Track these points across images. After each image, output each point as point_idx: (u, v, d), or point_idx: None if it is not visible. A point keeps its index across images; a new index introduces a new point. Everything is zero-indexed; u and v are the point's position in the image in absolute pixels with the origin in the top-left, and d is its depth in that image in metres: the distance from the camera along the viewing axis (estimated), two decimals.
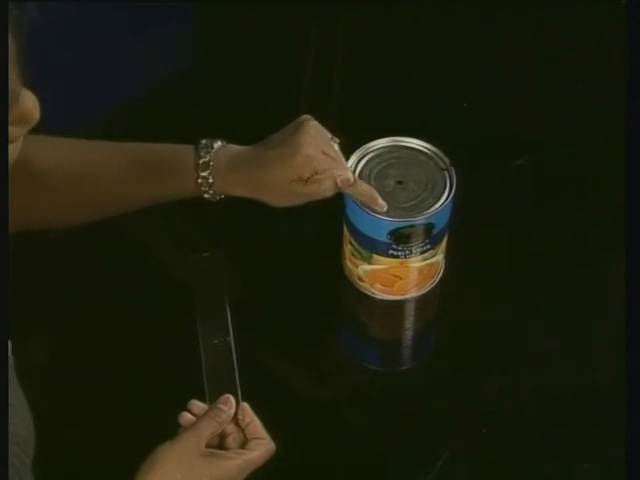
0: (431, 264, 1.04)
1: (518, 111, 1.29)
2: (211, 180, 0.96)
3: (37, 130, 0.63)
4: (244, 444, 0.90)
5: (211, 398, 0.92)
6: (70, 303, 1.10)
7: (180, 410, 0.89)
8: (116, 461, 0.83)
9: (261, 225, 1.17)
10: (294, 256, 1.04)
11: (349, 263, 1.07)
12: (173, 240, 1.17)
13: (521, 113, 1.29)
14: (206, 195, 0.97)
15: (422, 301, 1.08)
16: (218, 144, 0.97)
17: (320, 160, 0.95)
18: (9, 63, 0.56)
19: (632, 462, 0.81)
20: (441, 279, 1.08)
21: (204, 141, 0.97)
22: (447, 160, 1.00)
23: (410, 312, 1.10)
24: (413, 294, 1.07)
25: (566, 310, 1.10)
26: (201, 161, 0.96)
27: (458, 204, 0.99)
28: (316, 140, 0.96)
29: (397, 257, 1.01)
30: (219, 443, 0.90)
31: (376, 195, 0.97)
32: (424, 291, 1.07)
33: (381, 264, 1.02)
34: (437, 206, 0.97)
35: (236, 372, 0.93)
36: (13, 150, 0.61)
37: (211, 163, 0.96)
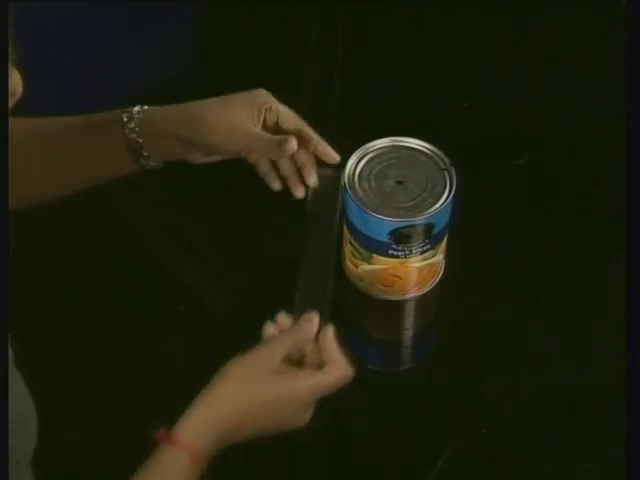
0: (431, 264, 1.04)
1: (518, 111, 1.29)
2: (138, 129, 0.93)
3: None
4: (321, 366, 0.88)
5: (298, 311, 0.90)
6: (70, 304, 1.10)
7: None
8: (115, 462, 0.83)
9: (261, 225, 1.17)
10: (294, 256, 1.04)
11: (349, 263, 1.07)
12: (174, 241, 1.17)
13: (521, 113, 1.29)
14: (142, 160, 0.95)
15: (422, 301, 1.08)
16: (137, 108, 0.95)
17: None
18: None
19: (632, 462, 0.82)
20: (441, 279, 1.08)
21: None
22: (447, 160, 1.00)
23: (410, 312, 1.10)
24: (413, 294, 1.07)
25: (566, 310, 1.10)
26: (126, 118, 0.94)
27: (458, 204, 0.99)
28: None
29: (397, 257, 1.01)
30: (298, 360, 0.88)
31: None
32: (424, 291, 1.07)
33: (381, 264, 1.02)
34: (437, 206, 0.97)
35: (329, 288, 0.92)
36: None
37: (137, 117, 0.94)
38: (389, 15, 1.42)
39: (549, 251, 1.16)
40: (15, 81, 0.65)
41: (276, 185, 0.99)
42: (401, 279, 1.04)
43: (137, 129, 0.94)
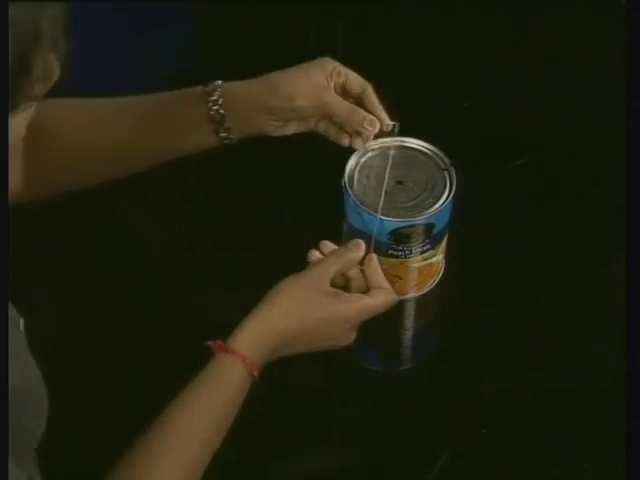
0: (431, 264, 1.04)
1: (518, 111, 1.29)
2: (221, 101, 0.97)
3: None
4: (366, 292, 0.93)
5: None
6: (70, 304, 1.10)
7: None
8: (110, 461, 0.83)
9: (261, 225, 1.17)
10: (294, 256, 1.04)
11: None
12: (174, 241, 1.17)
13: (521, 113, 1.29)
14: (222, 132, 0.98)
15: (422, 301, 1.08)
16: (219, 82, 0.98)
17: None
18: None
19: (632, 462, 0.82)
20: (441, 279, 1.08)
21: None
22: (447, 160, 1.00)
23: (410, 312, 1.09)
24: (413, 294, 1.07)
25: (566, 310, 1.10)
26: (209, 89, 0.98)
27: (458, 204, 0.99)
28: None
29: (397, 257, 1.00)
30: (342, 286, 0.94)
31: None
32: (424, 291, 1.07)
33: (381, 264, 1.02)
34: (437, 206, 0.97)
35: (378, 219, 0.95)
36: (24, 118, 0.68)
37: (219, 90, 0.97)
38: (389, 15, 1.42)
39: (549, 251, 1.16)
40: (51, 67, 0.66)
41: (346, 141, 1.02)
42: (401, 279, 1.04)
43: (220, 101, 0.97)
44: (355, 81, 1.00)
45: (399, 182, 0.99)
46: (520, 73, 1.34)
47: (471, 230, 1.12)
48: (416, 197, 0.98)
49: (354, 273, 0.95)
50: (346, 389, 1.08)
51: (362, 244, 0.95)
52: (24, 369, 0.75)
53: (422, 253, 1.01)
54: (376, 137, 1.01)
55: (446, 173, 1.00)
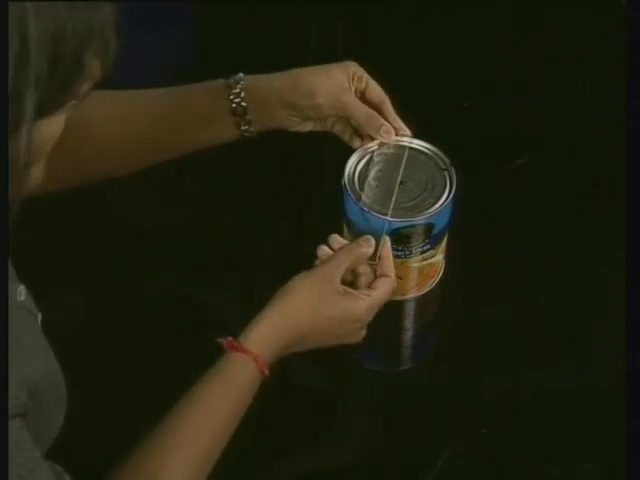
0: (431, 264, 1.04)
1: (518, 111, 1.29)
2: (243, 94, 0.98)
3: None
4: (372, 283, 0.95)
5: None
6: (70, 303, 1.10)
7: None
8: (116, 460, 0.83)
9: (262, 225, 1.17)
10: (294, 256, 1.04)
11: None
12: (175, 241, 1.17)
13: (521, 113, 1.29)
14: (243, 125, 0.99)
15: (422, 301, 1.08)
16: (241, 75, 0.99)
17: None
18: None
19: (632, 462, 0.82)
20: (441, 279, 1.08)
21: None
22: (447, 160, 1.00)
23: (410, 312, 1.09)
24: (413, 294, 1.07)
25: (566, 310, 1.10)
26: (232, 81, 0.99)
27: (458, 204, 0.99)
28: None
29: (397, 257, 1.00)
30: (351, 281, 0.95)
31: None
32: (424, 291, 1.07)
33: None
34: (437, 206, 0.97)
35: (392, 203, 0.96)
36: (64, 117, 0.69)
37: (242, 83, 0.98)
38: (389, 15, 1.43)
39: (549, 251, 1.16)
40: (95, 67, 0.67)
41: (358, 142, 1.03)
42: (401, 279, 1.04)
43: (242, 94, 0.98)
44: (375, 91, 1.01)
45: (399, 182, 0.99)
46: (520, 73, 1.34)
47: (471, 230, 1.12)
48: (416, 197, 0.98)
49: (363, 269, 0.95)
50: (346, 389, 1.08)
51: (372, 240, 0.95)
52: (45, 363, 0.76)
53: (422, 253, 1.01)
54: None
55: (446, 173, 1.00)
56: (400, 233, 0.98)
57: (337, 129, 1.03)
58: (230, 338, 0.88)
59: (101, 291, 1.11)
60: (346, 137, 1.03)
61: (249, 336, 0.88)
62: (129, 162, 1.02)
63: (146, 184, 1.16)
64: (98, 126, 0.96)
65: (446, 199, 0.98)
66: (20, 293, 0.77)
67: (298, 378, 1.04)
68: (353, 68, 1.01)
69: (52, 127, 0.69)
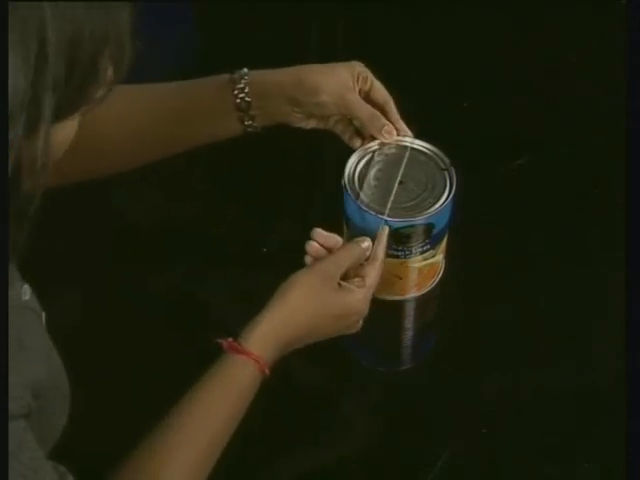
0: (431, 264, 1.04)
1: (518, 111, 1.29)
2: (247, 90, 0.98)
3: None
4: (360, 270, 0.95)
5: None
6: (71, 303, 1.10)
7: None
8: (118, 459, 0.83)
9: (265, 221, 1.17)
10: (294, 256, 1.04)
11: None
12: (176, 240, 1.18)
13: (521, 113, 1.29)
14: (246, 120, 0.99)
15: (422, 301, 1.08)
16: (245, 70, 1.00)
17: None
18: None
19: (632, 462, 0.82)
20: (441, 279, 1.08)
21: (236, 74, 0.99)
22: (447, 160, 1.00)
23: (410, 312, 1.10)
24: (413, 294, 1.07)
25: (566, 310, 1.10)
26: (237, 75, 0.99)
27: (458, 204, 0.99)
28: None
29: (397, 257, 1.00)
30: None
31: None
32: (424, 291, 1.07)
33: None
34: (437, 206, 0.97)
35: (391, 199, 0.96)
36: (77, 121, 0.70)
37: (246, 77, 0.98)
38: (389, 15, 1.43)
39: (549, 251, 1.16)
40: (109, 72, 0.68)
41: (358, 143, 1.03)
42: (401, 279, 1.04)
43: (246, 89, 0.98)
44: (380, 91, 1.01)
45: (399, 182, 0.99)
46: (520, 73, 1.34)
47: (471, 230, 1.12)
48: (416, 197, 0.98)
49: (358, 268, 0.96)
50: (346, 389, 1.08)
51: (369, 240, 0.96)
52: (49, 362, 0.76)
53: (422, 253, 1.01)
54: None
55: (446, 173, 1.00)
56: (400, 233, 0.97)
57: (338, 128, 1.03)
58: (230, 339, 0.88)
59: (102, 288, 1.11)
60: (346, 137, 1.03)
61: (250, 337, 0.88)
62: (133, 158, 1.02)
63: (148, 180, 1.16)
64: (104, 123, 0.96)
65: (446, 199, 0.98)
66: (25, 292, 0.77)
67: (298, 378, 1.04)
68: (359, 68, 1.01)
69: (66, 130, 0.69)
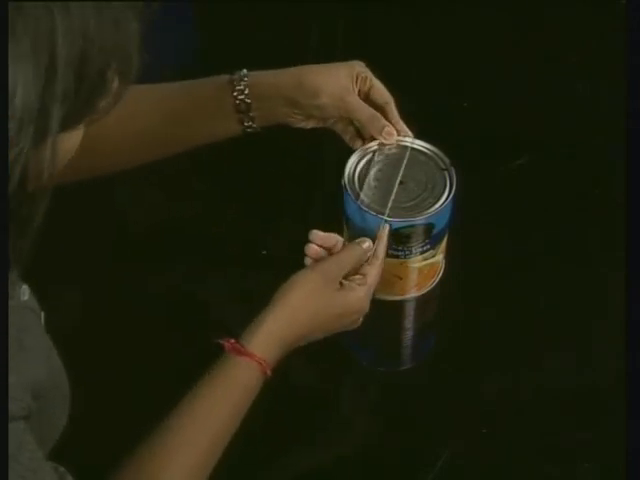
0: (431, 264, 1.04)
1: (518, 111, 1.29)
2: (247, 91, 0.98)
3: None
4: (360, 267, 0.95)
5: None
6: (71, 302, 1.10)
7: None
8: (119, 460, 0.83)
9: (265, 221, 1.17)
10: (294, 257, 1.04)
11: None
12: (176, 239, 1.18)
13: (521, 113, 1.29)
14: (246, 121, 0.99)
15: (422, 301, 1.08)
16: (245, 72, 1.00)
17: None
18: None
19: (632, 462, 0.82)
20: (441, 279, 1.08)
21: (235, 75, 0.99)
22: (447, 160, 1.00)
23: (410, 312, 1.10)
24: (413, 294, 1.07)
25: (566, 310, 1.10)
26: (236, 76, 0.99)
27: (458, 204, 0.99)
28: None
29: (397, 257, 1.00)
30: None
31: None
32: (424, 291, 1.07)
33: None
34: (437, 206, 0.97)
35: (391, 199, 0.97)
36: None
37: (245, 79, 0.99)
38: (389, 15, 1.43)
39: (549, 251, 1.16)
40: (115, 84, 0.68)
41: (358, 143, 1.03)
42: (401, 279, 1.04)
43: (246, 91, 0.98)
44: (380, 91, 1.01)
45: (399, 182, 0.99)
46: (520, 73, 1.34)
47: (471, 230, 1.12)
48: (416, 197, 0.98)
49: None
50: (346, 389, 1.08)
51: (368, 241, 0.96)
52: (49, 363, 0.76)
53: (422, 253, 1.01)
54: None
55: (446, 173, 1.00)
56: (400, 233, 0.98)
57: (339, 128, 1.03)
58: (233, 341, 0.87)
59: (102, 288, 1.11)
60: (347, 137, 1.03)
61: (252, 339, 0.88)
62: (133, 158, 1.02)
63: (149, 180, 1.16)
64: (104, 123, 0.96)
65: (446, 199, 0.98)
66: (24, 293, 0.77)
67: (298, 378, 1.04)
68: (359, 68, 1.01)
69: (72, 140, 0.69)
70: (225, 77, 1.00)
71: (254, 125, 1.00)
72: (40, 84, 0.61)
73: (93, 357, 1.02)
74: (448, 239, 1.04)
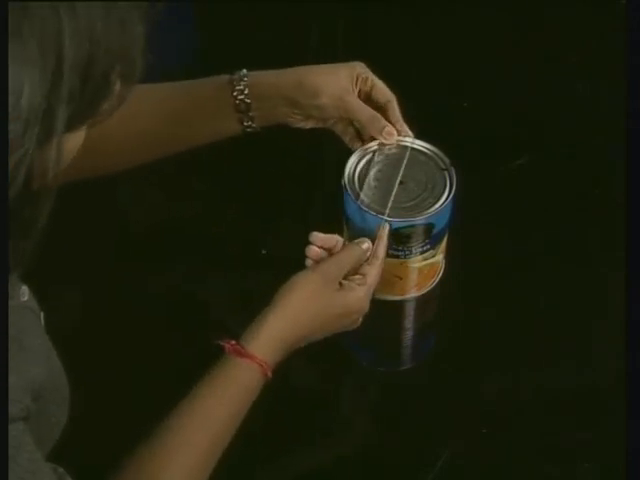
0: (431, 264, 1.04)
1: (518, 111, 1.29)
2: (247, 91, 0.98)
3: None
4: (360, 267, 0.95)
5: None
6: (72, 302, 1.10)
7: None
8: (118, 460, 0.83)
9: (262, 225, 1.17)
10: (294, 257, 1.04)
11: None
12: (177, 239, 1.18)
13: (521, 113, 1.29)
14: (246, 121, 0.99)
15: (422, 301, 1.08)
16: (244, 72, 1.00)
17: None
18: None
19: (632, 462, 0.82)
20: (441, 279, 1.08)
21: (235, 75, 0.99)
22: (447, 160, 1.00)
23: (410, 312, 1.10)
24: (413, 294, 1.07)
25: (566, 310, 1.10)
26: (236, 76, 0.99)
27: (458, 204, 0.99)
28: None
29: (397, 257, 1.00)
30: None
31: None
32: (424, 291, 1.07)
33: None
34: (437, 206, 0.97)
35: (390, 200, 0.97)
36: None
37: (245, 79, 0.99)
38: (389, 15, 1.43)
39: (549, 251, 1.16)
40: (117, 86, 0.68)
41: (358, 144, 1.03)
42: (401, 279, 1.04)
43: (246, 91, 0.99)
44: (381, 91, 1.01)
45: (399, 182, 0.99)
46: (520, 73, 1.34)
47: (471, 230, 1.12)
48: (416, 197, 0.98)
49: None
50: (346, 389, 1.08)
51: (368, 242, 0.96)
52: (49, 363, 0.76)
53: (422, 253, 1.01)
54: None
55: (446, 173, 1.00)
56: (400, 233, 0.97)
57: (338, 128, 1.03)
58: (233, 342, 0.87)
59: (102, 288, 1.11)
60: (347, 138, 1.03)
61: (252, 341, 0.88)
62: (133, 158, 1.02)
63: (149, 180, 1.16)
64: (105, 123, 0.97)
65: (446, 199, 0.98)
66: (23, 293, 0.77)
67: (298, 378, 1.04)
68: (359, 69, 1.01)
69: (75, 141, 0.70)
70: (225, 77, 1.00)
71: (254, 125, 1.00)
72: (46, 85, 0.61)
73: (93, 357, 1.02)
74: (448, 239, 1.04)
